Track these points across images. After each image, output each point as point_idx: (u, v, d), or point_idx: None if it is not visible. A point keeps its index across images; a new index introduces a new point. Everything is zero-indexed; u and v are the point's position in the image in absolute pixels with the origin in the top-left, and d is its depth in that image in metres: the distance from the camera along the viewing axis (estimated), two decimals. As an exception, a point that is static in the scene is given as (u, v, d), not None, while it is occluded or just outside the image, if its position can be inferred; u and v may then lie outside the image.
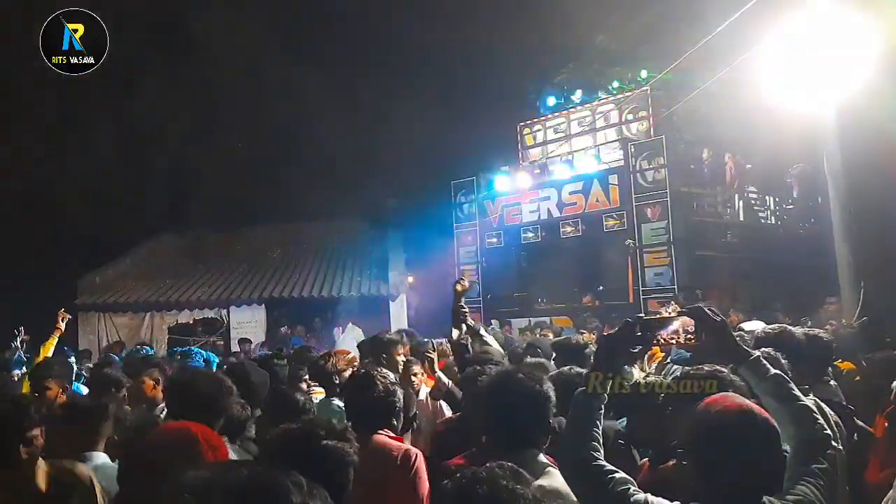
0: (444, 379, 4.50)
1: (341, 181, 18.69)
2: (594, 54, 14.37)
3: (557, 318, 12.34)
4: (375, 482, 2.62)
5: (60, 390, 4.27)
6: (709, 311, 2.20)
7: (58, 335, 6.29)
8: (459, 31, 16.43)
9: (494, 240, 14.78)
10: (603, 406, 2.14)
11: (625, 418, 3.20)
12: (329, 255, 17.55)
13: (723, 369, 2.59)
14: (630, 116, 13.57)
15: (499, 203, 14.61)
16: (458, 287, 5.16)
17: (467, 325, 5.03)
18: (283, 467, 1.17)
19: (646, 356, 4.65)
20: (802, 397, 2.13)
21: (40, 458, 2.61)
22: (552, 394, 2.49)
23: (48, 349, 6.12)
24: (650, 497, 1.93)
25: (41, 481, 2.57)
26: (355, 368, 4.41)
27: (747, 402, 1.98)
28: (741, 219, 14.16)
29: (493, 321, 13.36)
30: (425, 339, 5.79)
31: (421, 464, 2.86)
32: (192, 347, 7.64)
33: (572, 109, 14.48)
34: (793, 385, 2.13)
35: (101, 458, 3.06)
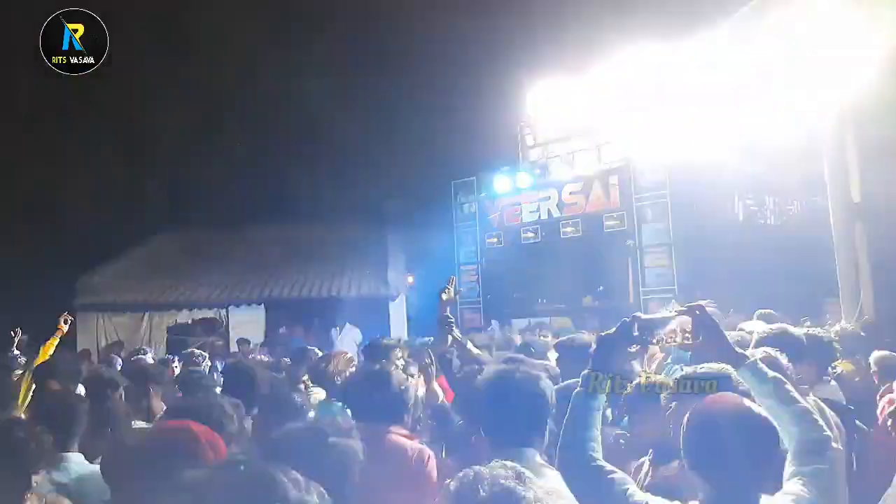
0: (440, 393, 4.47)
1: (341, 181, 18.70)
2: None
3: (557, 318, 12.33)
4: (390, 479, 2.65)
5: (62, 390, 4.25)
6: (705, 312, 2.20)
7: (59, 335, 6.25)
8: (460, 29, 16.43)
9: (494, 240, 14.76)
10: (601, 406, 2.14)
11: (626, 418, 3.19)
12: (328, 255, 17.54)
13: (731, 369, 2.59)
14: (630, 116, 13.56)
15: (499, 203, 14.60)
16: (444, 295, 5.04)
17: (453, 337, 4.89)
18: (288, 465, 1.17)
19: (645, 356, 4.64)
20: (801, 399, 2.13)
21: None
22: (549, 392, 2.47)
23: (49, 349, 6.07)
24: (650, 497, 1.93)
25: None
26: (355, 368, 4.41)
27: (745, 401, 1.98)
28: (741, 219, 14.15)
29: (493, 321, 13.37)
30: (427, 338, 5.74)
31: (434, 464, 2.89)
32: (193, 349, 7.65)
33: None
34: (790, 387, 2.14)
35: (75, 458, 3.03)
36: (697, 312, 2.20)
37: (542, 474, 2.26)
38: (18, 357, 6.48)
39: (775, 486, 1.91)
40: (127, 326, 14.98)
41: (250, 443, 3.42)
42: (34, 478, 2.51)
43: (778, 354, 3.00)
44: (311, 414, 3.71)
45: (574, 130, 13.84)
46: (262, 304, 15.33)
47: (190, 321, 15.26)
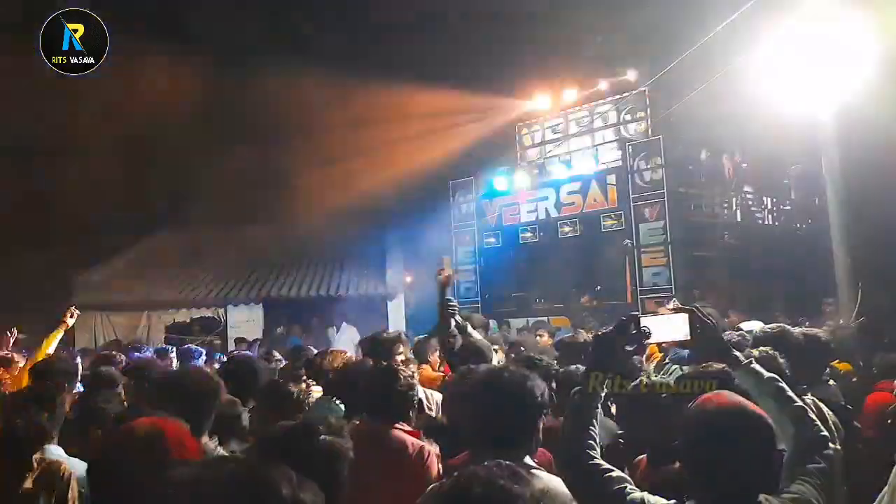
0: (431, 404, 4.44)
1: (340, 180, 18.64)
2: (593, 54, 14.36)
3: (555, 318, 12.33)
4: (391, 474, 2.68)
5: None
6: (700, 313, 2.21)
7: (63, 329, 6.14)
8: (458, 28, 16.42)
9: (492, 240, 14.77)
10: (599, 405, 2.14)
11: (624, 418, 3.19)
12: (327, 255, 17.53)
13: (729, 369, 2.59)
14: (628, 117, 13.57)
15: (497, 203, 14.60)
16: (443, 279, 4.91)
17: (455, 322, 4.79)
18: (278, 462, 1.17)
19: (644, 356, 4.64)
20: (797, 399, 2.14)
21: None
22: (539, 392, 2.42)
23: (50, 343, 5.97)
24: (647, 495, 1.93)
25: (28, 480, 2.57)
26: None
27: (742, 399, 1.98)
28: (739, 219, 14.18)
29: (491, 321, 13.36)
30: (424, 335, 5.69)
31: (434, 461, 2.90)
32: (190, 346, 7.65)
33: (570, 110, 14.50)
34: (786, 386, 2.14)
35: (55, 451, 3.02)
36: (694, 312, 2.20)
37: (533, 475, 2.25)
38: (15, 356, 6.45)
39: (774, 485, 1.91)
40: (125, 325, 14.96)
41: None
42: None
43: (775, 354, 3.00)
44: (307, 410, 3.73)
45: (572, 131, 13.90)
46: (261, 304, 15.32)
47: (188, 320, 15.26)
